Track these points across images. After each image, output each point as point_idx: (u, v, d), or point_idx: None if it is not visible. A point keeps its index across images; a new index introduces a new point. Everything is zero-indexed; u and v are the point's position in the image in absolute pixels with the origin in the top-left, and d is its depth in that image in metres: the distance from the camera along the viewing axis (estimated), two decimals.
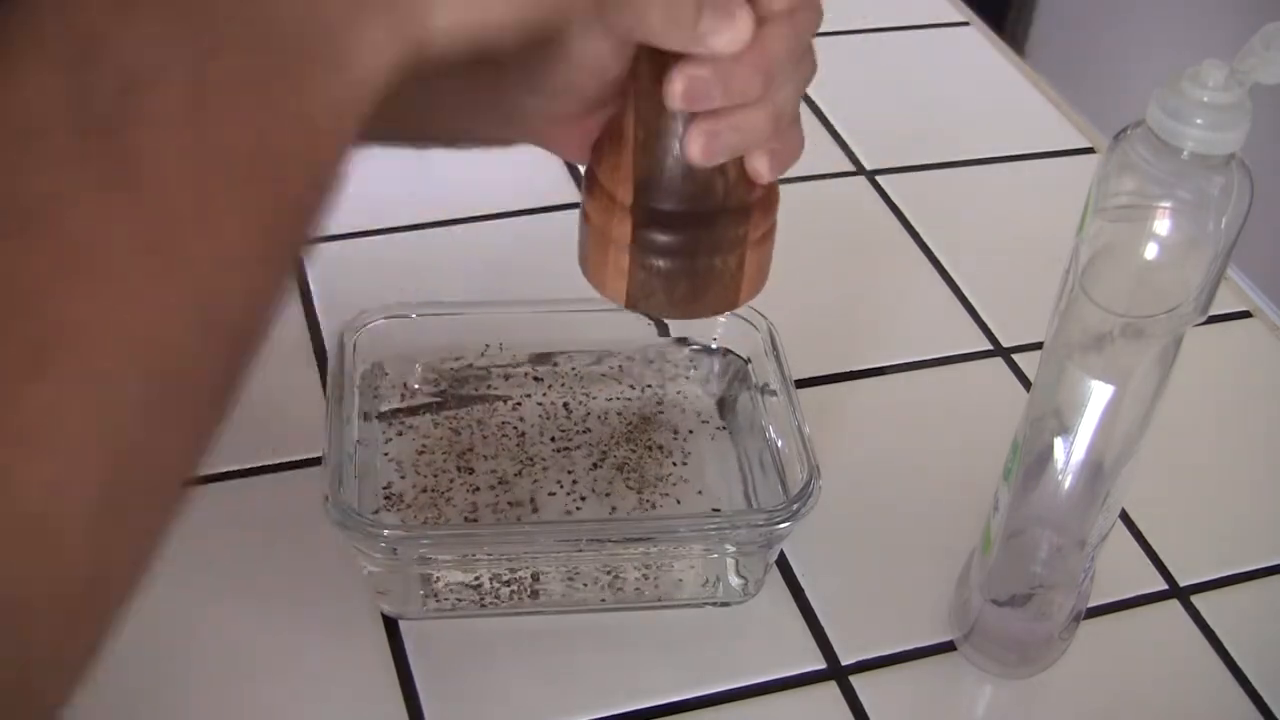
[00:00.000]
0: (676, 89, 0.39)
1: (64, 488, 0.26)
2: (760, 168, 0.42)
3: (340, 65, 0.31)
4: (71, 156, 0.26)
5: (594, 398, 0.66)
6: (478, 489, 0.61)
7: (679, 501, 0.62)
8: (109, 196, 0.27)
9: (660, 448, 0.64)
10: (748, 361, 0.65)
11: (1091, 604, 0.59)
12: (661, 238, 0.42)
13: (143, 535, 0.29)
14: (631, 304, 0.44)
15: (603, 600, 0.59)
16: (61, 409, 0.26)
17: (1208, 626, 0.62)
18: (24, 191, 0.26)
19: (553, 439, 0.64)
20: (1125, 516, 0.65)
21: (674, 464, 0.63)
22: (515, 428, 0.64)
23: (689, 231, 0.42)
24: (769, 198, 0.44)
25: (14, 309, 0.26)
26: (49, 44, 0.27)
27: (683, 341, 0.67)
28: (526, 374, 0.66)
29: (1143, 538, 0.65)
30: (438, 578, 0.57)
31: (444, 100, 0.41)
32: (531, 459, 0.63)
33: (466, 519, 0.60)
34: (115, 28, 0.27)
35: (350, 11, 0.31)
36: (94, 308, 0.26)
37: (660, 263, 0.43)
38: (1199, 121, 0.44)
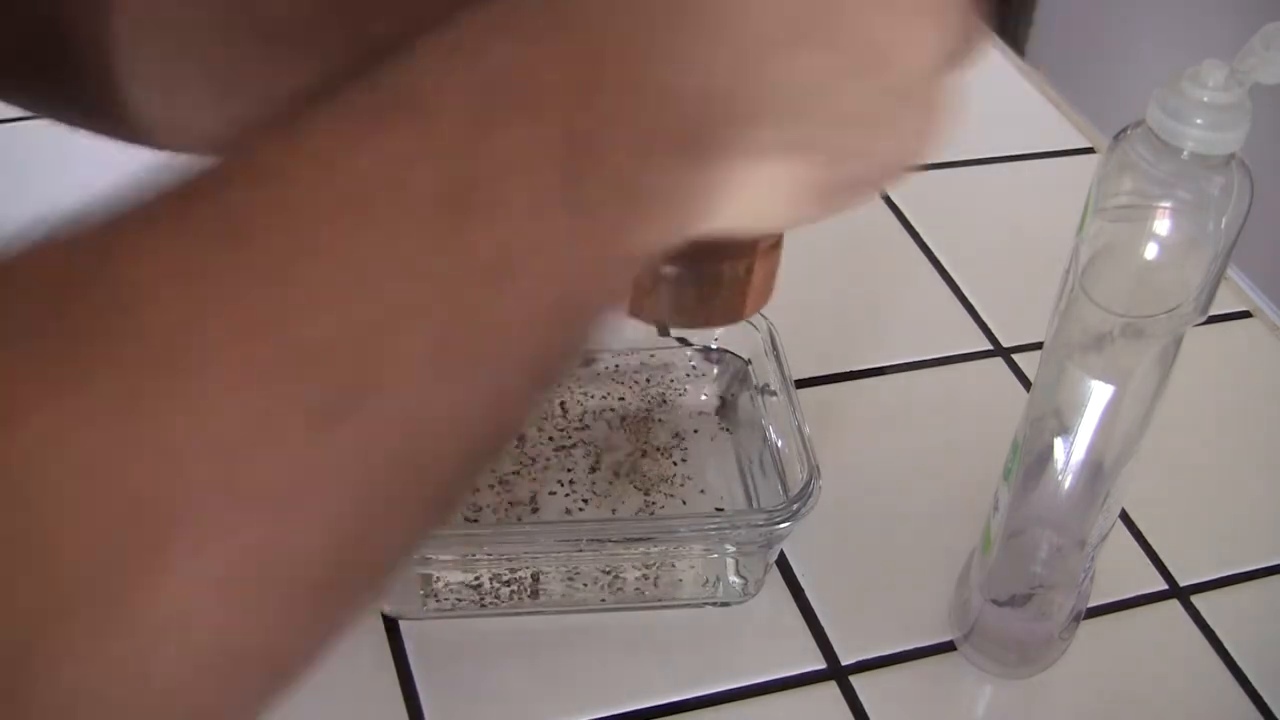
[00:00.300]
0: None
1: (308, 552, 0.26)
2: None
3: (644, 223, 0.31)
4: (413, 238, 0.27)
5: (593, 397, 0.66)
6: (478, 489, 0.61)
7: (685, 502, 0.62)
8: (447, 266, 0.27)
9: (660, 448, 0.64)
10: (748, 362, 0.65)
11: (1091, 604, 0.59)
12: None
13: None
14: (635, 311, 0.43)
15: (603, 600, 0.59)
16: (334, 471, 0.26)
17: (1208, 626, 0.62)
18: (380, 254, 0.26)
19: (551, 438, 0.64)
20: (1125, 516, 0.65)
21: (674, 464, 0.63)
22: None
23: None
24: None
25: (337, 358, 0.26)
26: (423, 126, 0.28)
27: (683, 342, 0.67)
28: None
29: (1143, 538, 0.65)
30: (438, 578, 0.57)
31: None
32: (532, 459, 0.63)
33: (466, 519, 0.60)
34: (483, 125, 0.28)
35: (661, 175, 0.31)
36: (387, 380, 0.27)
37: (666, 267, 0.41)
38: (1199, 121, 0.44)
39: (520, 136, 0.28)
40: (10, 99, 0.45)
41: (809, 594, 0.61)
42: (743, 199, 0.34)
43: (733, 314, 0.44)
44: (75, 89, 0.42)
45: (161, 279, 0.25)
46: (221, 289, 0.25)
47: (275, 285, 0.25)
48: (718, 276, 0.42)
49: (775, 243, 0.43)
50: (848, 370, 0.72)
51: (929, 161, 0.37)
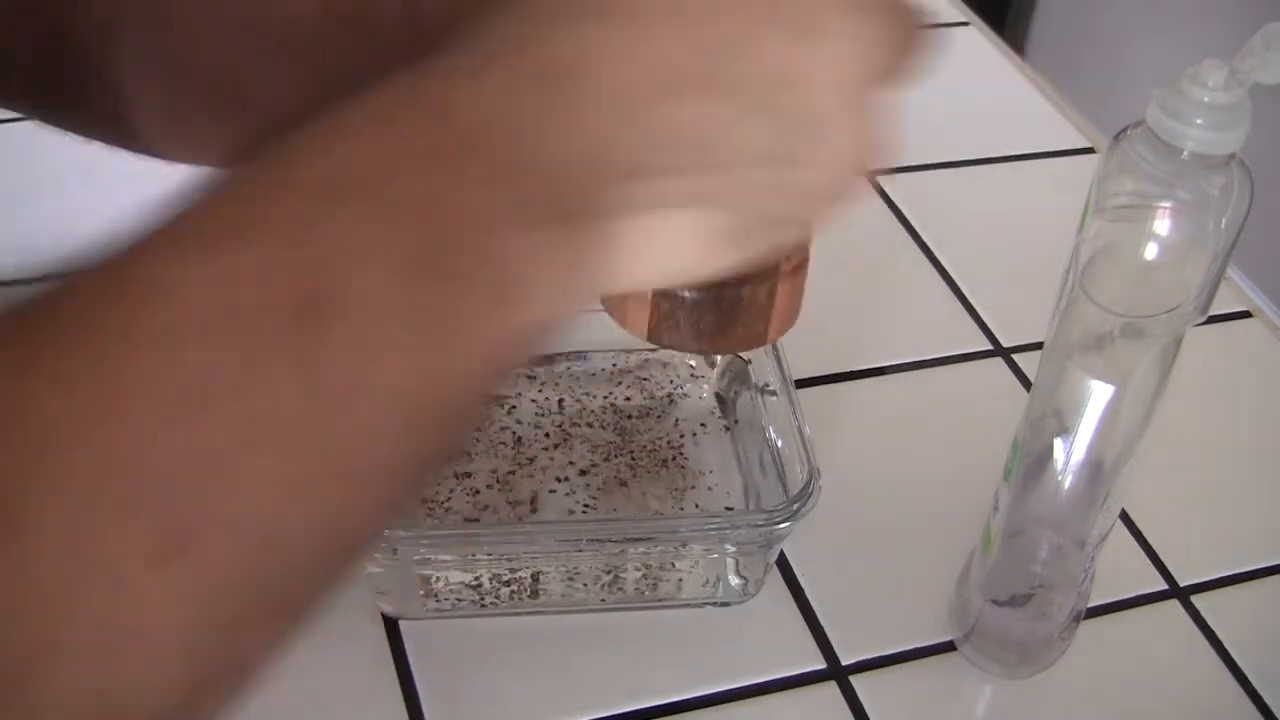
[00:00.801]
0: None
1: (157, 679, 0.26)
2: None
3: (517, 306, 0.30)
4: (273, 351, 0.27)
5: (594, 397, 0.66)
6: (477, 490, 0.61)
7: (685, 503, 0.62)
8: (288, 386, 0.27)
9: (660, 448, 0.64)
10: (748, 362, 0.65)
11: (1091, 604, 0.59)
12: None
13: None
14: (654, 336, 0.41)
15: (603, 600, 0.59)
16: (176, 602, 0.26)
17: (1208, 626, 0.62)
18: (215, 378, 0.26)
19: (548, 435, 0.64)
20: (1125, 516, 0.65)
21: (674, 464, 0.63)
22: (512, 430, 0.64)
23: None
24: None
25: (172, 494, 0.26)
26: (260, 237, 0.27)
27: None
28: (526, 374, 0.66)
29: (1143, 538, 0.65)
30: (438, 578, 0.57)
31: None
32: (531, 459, 0.63)
33: (466, 519, 0.60)
34: (323, 227, 0.28)
35: (536, 252, 0.30)
36: (227, 507, 0.26)
37: (686, 292, 0.40)
38: (1199, 121, 0.44)
39: (365, 238, 0.28)
40: (27, 111, 0.45)
41: (809, 594, 0.61)
42: (648, 254, 0.33)
43: (756, 339, 0.42)
44: (86, 104, 0.42)
45: None
46: (53, 433, 0.25)
47: (111, 423, 0.25)
48: (738, 300, 0.41)
49: (799, 263, 0.42)
50: (848, 370, 0.72)
51: (868, 181, 0.35)
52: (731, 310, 0.41)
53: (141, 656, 0.26)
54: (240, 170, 0.28)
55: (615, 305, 0.42)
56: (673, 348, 0.42)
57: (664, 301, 0.40)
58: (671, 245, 0.34)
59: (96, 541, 0.25)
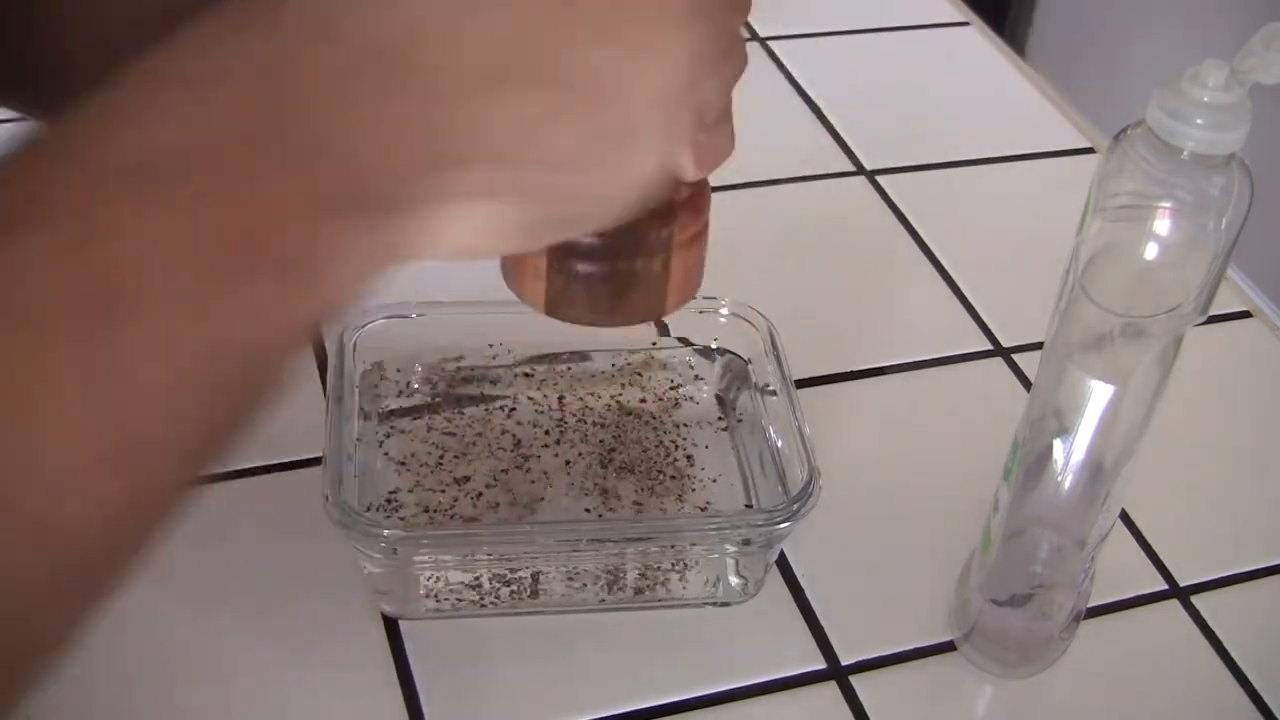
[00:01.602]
0: None
1: None
2: (684, 163, 0.39)
3: (315, 293, 0.31)
4: (62, 347, 0.27)
5: (596, 397, 0.66)
6: (478, 491, 0.61)
7: (685, 502, 0.62)
8: (86, 387, 0.27)
9: (660, 448, 0.64)
10: (748, 362, 0.65)
11: (1091, 604, 0.59)
12: (580, 240, 0.40)
13: None
14: (551, 310, 0.42)
15: (603, 600, 0.59)
16: None
17: (1208, 626, 0.62)
18: (13, 369, 0.26)
19: (547, 432, 0.64)
20: (1125, 516, 0.65)
21: (674, 464, 0.63)
22: (512, 433, 0.64)
23: (609, 233, 0.40)
24: (697, 198, 0.42)
25: None
26: (55, 224, 0.27)
27: (683, 342, 0.67)
28: (526, 374, 0.66)
29: (1143, 538, 0.65)
30: (438, 578, 0.57)
31: None
32: (531, 459, 0.63)
33: (466, 519, 0.60)
34: (120, 216, 0.27)
35: (339, 240, 0.30)
36: (26, 504, 0.27)
37: (579, 266, 0.40)
38: (1199, 121, 0.44)
39: (164, 232, 0.28)
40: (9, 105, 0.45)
41: (809, 594, 0.61)
42: (447, 239, 0.33)
43: (653, 311, 0.43)
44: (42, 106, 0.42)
45: None
46: None
47: None
48: (632, 274, 0.41)
49: (695, 234, 0.42)
50: (848, 370, 0.72)
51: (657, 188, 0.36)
52: (626, 283, 0.41)
53: None
54: (39, 143, 0.28)
55: (512, 278, 0.42)
56: (571, 321, 0.43)
57: (558, 277, 0.41)
58: (472, 232, 0.34)
59: None
